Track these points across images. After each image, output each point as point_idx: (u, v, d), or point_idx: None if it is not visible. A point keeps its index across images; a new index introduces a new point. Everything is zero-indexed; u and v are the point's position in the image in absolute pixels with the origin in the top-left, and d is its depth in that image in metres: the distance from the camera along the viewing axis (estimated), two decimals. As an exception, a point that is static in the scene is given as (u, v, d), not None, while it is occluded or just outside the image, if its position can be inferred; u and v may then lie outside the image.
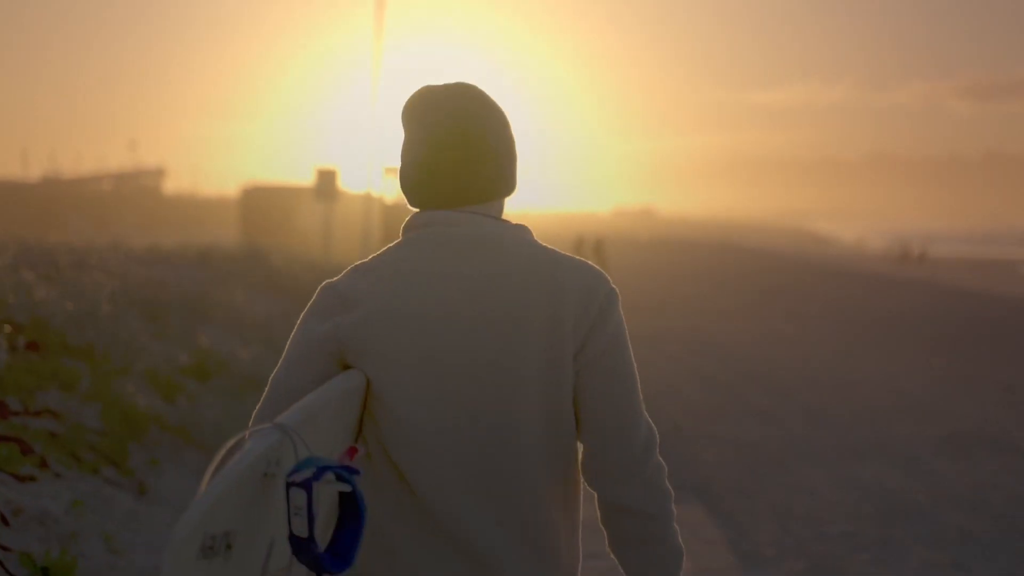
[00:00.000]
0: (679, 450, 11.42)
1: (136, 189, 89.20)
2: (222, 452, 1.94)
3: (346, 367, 2.44)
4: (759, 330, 24.29)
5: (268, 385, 2.45)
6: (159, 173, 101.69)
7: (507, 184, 2.52)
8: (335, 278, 2.50)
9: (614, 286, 2.48)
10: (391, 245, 2.51)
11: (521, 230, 2.50)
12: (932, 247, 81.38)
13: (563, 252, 2.51)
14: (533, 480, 2.41)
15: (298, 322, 2.47)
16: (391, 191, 35.58)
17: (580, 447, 2.50)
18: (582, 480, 2.52)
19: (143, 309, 10.74)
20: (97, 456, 6.36)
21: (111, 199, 79.64)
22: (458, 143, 2.45)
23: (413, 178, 2.49)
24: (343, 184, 31.95)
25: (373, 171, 39.04)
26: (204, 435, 7.50)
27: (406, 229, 2.51)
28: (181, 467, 7.07)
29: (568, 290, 2.42)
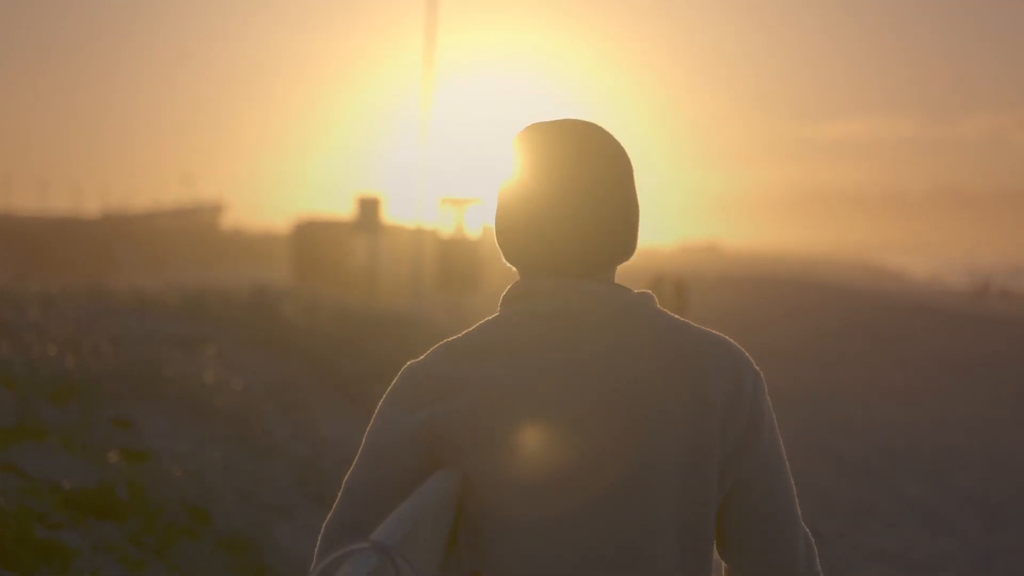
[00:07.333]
0: (827, 572, 8.23)
1: (194, 225, 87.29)
2: None
3: (437, 464, 2.05)
4: (869, 384, 20.83)
5: (342, 488, 2.07)
6: (217, 208, 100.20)
7: (632, 247, 2.17)
8: (420, 358, 2.13)
9: (757, 368, 2.11)
10: (490, 318, 2.14)
11: (647, 299, 2.13)
12: (1010, 281, 76.80)
13: (693, 324, 2.13)
14: None
15: (377, 412, 2.10)
16: (448, 224, 32.38)
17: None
18: None
19: (42, 391, 7.03)
20: None
21: (169, 235, 77.60)
22: (596, 197, 2.09)
23: (525, 233, 2.10)
24: (398, 217, 28.98)
25: (425, 201, 35.67)
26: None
27: (512, 299, 2.12)
28: None
29: (713, 386, 2.03)
